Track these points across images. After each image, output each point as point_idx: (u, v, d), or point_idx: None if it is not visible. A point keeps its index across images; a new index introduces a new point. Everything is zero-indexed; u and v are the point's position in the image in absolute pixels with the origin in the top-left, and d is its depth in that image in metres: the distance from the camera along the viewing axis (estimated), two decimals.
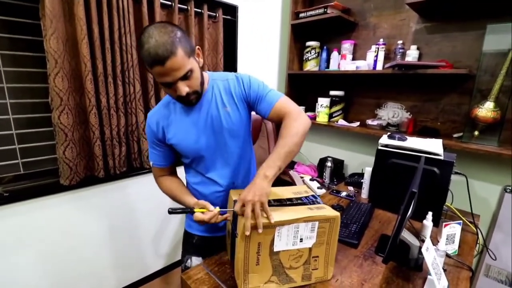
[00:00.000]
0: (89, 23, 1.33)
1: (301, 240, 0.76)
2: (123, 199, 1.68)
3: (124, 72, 1.49)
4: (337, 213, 0.78)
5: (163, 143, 0.96)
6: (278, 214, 0.74)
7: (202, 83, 0.86)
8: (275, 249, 0.75)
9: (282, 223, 0.73)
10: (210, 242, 1.07)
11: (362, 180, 1.56)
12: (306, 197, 0.87)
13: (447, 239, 1.03)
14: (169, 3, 1.62)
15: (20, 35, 1.32)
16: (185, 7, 1.69)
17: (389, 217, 1.29)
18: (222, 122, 0.91)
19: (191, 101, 0.84)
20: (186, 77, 0.78)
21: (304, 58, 2.19)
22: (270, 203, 0.78)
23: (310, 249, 0.79)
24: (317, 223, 0.76)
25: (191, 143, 0.92)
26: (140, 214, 1.77)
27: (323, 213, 0.77)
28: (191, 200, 0.94)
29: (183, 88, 0.78)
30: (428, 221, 1.05)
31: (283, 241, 0.75)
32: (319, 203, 0.84)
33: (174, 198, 1.00)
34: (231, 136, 0.94)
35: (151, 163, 1.02)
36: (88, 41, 1.33)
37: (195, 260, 1.06)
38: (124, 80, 1.50)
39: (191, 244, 1.09)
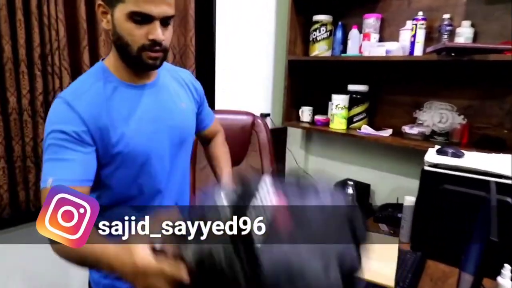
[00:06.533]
0: None
1: None
2: (36, 257, 1.52)
3: (46, 57, 1.45)
4: None
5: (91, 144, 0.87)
6: None
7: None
8: None
9: None
10: None
11: (400, 215, 1.55)
12: None
13: None
14: None
15: None
16: None
17: (443, 271, 1.28)
18: (176, 119, 1.00)
19: (155, 60, 0.86)
20: (167, 22, 0.85)
21: (311, 39, 2.21)
22: None
23: None
24: None
25: (143, 140, 0.92)
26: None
27: None
28: None
29: (161, 33, 0.83)
30: (506, 279, 1.02)
31: None
32: None
33: None
34: (182, 142, 1.03)
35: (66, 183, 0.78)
36: None
37: None
38: (45, 69, 1.46)
39: None
